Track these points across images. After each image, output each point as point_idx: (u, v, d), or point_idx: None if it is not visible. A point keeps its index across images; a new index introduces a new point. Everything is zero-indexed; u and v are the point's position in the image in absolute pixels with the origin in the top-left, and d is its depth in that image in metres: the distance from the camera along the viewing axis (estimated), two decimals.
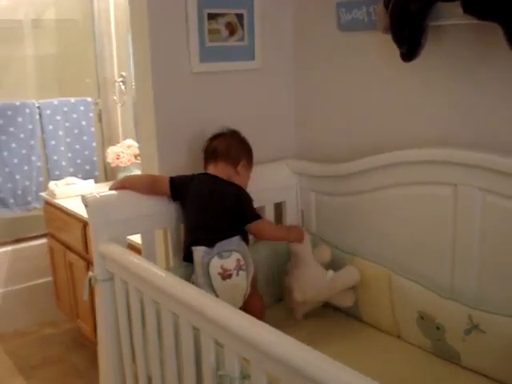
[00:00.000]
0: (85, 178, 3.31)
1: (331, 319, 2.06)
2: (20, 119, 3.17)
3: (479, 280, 1.72)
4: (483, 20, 1.49)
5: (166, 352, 1.58)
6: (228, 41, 2.12)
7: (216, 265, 1.80)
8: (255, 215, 1.92)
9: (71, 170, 3.37)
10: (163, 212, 1.93)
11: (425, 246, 1.85)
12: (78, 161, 3.41)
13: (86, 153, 3.43)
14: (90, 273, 1.87)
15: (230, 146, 1.95)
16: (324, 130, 2.26)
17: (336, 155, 2.17)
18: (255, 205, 2.09)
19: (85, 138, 3.41)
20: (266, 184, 2.16)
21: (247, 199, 1.93)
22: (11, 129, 3.15)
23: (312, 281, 1.94)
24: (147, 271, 1.58)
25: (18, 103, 3.17)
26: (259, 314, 2.00)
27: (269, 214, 2.19)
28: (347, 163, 2.04)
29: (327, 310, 2.09)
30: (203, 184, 1.91)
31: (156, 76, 1.98)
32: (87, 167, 3.44)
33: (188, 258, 1.88)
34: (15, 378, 2.82)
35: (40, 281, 3.30)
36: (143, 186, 1.92)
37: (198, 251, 1.83)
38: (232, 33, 2.12)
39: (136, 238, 2.23)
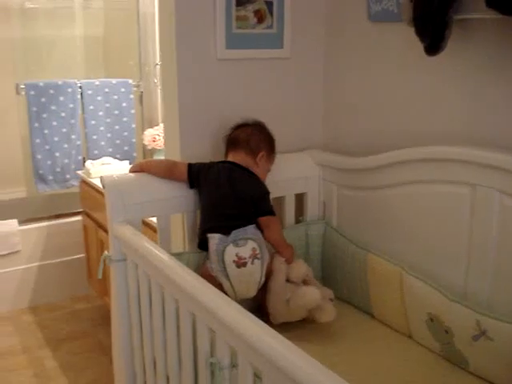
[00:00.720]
0: (123, 159, 3.38)
1: (342, 314, 2.03)
2: (62, 98, 3.25)
3: (493, 284, 1.66)
4: (506, 15, 1.42)
5: (168, 336, 1.60)
6: (256, 28, 2.10)
7: (231, 252, 1.81)
8: (270, 209, 1.92)
9: (110, 149, 3.44)
10: (180, 197, 1.94)
11: (440, 246, 1.79)
12: (117, 141, 3.48)
13: (126, 134, 3.49)
14: (106, 252, 1.91)
15: (251, 136, 1.96)
16: (351, 122, 2.22)
17: (362, 148, 2.13)
18: (275, 194, 2.09)
19: (125, 119, 3.47)
20: (287, 174, 2.15)
21: (264, 192, 1.93)
22: (53, 107, 3.23)
23: (282, 304, 1.87)
24: (153, 255, 1.60)
25: (60, 82, 3.25)
26: None
27: (289, 205, 2.18)
28: (368, 157, 2.00)
29: (339, 305, 2.07)
30: (222, 172, 1.91)
31: (180, 61, 1.99)
32: (126, 148, 3.50)
33: (202, 245, 1.89)
34: (42, 350, 2.91)
35: (74, 257, 3.39)
36: (161, 170, 1.93)
37: (213, 238, 1.84)
38: (261, 20, 2.11)
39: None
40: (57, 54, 3.54)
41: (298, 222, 2.22)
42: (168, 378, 1.67)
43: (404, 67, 1.96)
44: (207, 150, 2.07)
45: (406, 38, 1.88)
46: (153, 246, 1.66)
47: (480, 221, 1.67)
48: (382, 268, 1.90)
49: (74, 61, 3.61)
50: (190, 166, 1.93)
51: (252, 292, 1.88)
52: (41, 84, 3.20)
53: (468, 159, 1.67)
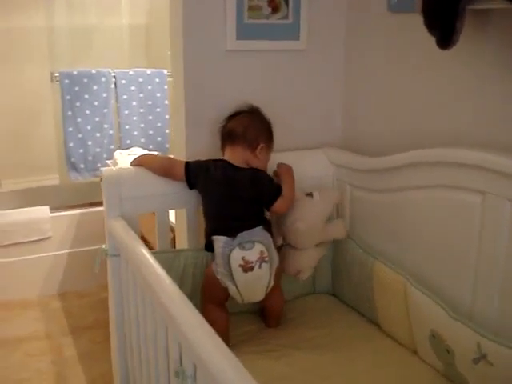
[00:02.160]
0: (156, 150, 3.37)
1: (347, 322, 1.93)
2: (95, 87, 3.26)
3: (501, 303, 1.50)
4: None
5: (148, 340, 1.55)
6: (270, 18, 2.00)
7: (237, 256, 1.72)
8: (273, 194, 1.82)
9: (142, 140, 3.43)
10: (180, 192, 1.88)
11: (449, 258, 1.65)
12: (150, 132, 3.46)
13: (159, 124, 3.47)
14: (103, 246, 1.87)
15: (247, 127, 1.83)
16: (373, 120, 2.09)
17: (384, 148, 1.99)
18: None
19: (158, 109, 3.44)
20: (299, 172, 2.04)
21: (264, 177, 1.83)
22: (86, 96, 3.24)
23: (307, 207, 1.90)
24: (135, 254, 1.54)
25: (94, 71, 3.26)
26: (277, 312, 1.92)
27: None
28: (379, 158, 1.88)
29: (345, 313, 1.97)
30: (219, 172, 1.81)
31: (187, 51, 1.92)
32: (159, 139, 3.48)
33: (209, 247, 1.82)
34: (65, 336, 2.93)
35: (104, 245, 3.39)
36: (158, 169, 1.87)
37: (219, 241, 1.76)
38: (275, 10, 2.01)
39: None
40: (98, 43, 3.56)
41: None
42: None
43: (426, 62, 1.81)
44: (214, 145, 1.99)
45: (423, 30, 1.74)
46: (139, 244, 1.60)
47: (489, 233, 1.52)
48: (387, 277, 1.78)
49: (115, 50, 3.62)
50: (186, 166, 1.84)
51: (259, 296, 1.80)
52: (75, 73, 3.22)
53: (478, 164, 1.52)
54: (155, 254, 1.85)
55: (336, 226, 2.01)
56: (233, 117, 1.88)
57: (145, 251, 1.52)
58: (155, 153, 3.21)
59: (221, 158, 1.86)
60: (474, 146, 1.60)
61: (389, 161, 1.84)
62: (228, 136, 1.86)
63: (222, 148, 1.88)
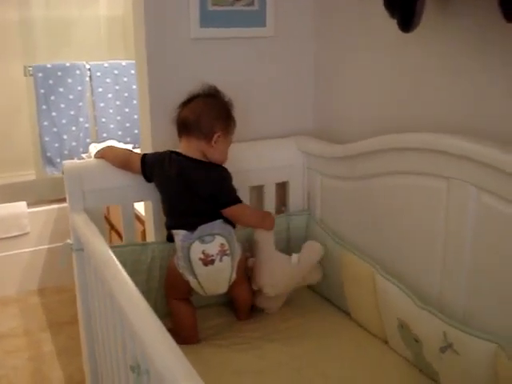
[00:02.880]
0: (133, 142, 3.32)
1: (319, 313, 1.90)
2: (70, 80, 3.21)
3: (468, 291, 1.47)
4: None
5: (109, 334, 1.51)
6: (235, 5, 1.96)
7: (197, 250, 1.68)
8: (231, 199, 1.75)
9: (119, 133, 3.39)
10: (144, 184, 1.83)
11: (416, 245, 1.62)
12: (127, 124, 3.41)
13: (136, 117, 3.41)
14: (68, 240, 1.84)
15: (200, 116, 1.72)
16: (344, 107, 2.05)
17: (354, 135, 1.95)
18: (254, 182, 1.96)
19: (135, 101, 3.39)
20: (267, 161, 2.02)
21: (221, 181, 1.75)
22: (61, 89, 3.19)
23: (280, 271, 1.79)
24: (94, 248, 1.50)
25: (68, 64, 3.21)
26: (245, 305, 1.89)
27: (269, 195, 2.05)
28: (347, 145, 1.84)
29: (317, 303, 1.94)
30: (173, 167, 1.73)
31: (150, 39, 1.87)
32: (136, 131, 3.43)
33: (171, 238, 1.78)
34: (43, 333, 2.90)
35: (69, 240, 3.36)
36: (117, 162, 1.81)
37: (178, 235, 1.72)
38: None
39: (138, 207, 2.19)
40: (76, 35, 3.50)
41: (279, 212, 2.08)
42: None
43: (396, 47, 1.76)
44: None
45: None
46: (98, 238, 1.56)
47: (455, 219, 1.48)
48: (356, 267, 1.75)
49: (93, 42, 3.56)
50: (143, 160, 1.78)
51: (222, 289, 1.77)
52: (48, 66, 3.17)
53: (443, 149, 1.48)
54: (121, 247, 1.83)
55: (313, 274, 1.91)
56: (187, 103, 1.77)
57: (103, 245, 1.49)
58: (130, 145, 3.16)
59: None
60: (442, 132, 1.56)
61: (356, 147, 1.80)
62: (181, 126, 1.76)
63: (179, 136, 1.79)
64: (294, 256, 1.80)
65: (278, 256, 1.83)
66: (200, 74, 1.96)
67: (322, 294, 2.00)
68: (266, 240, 1.81)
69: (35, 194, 3.33)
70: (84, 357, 1.97)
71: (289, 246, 2.03)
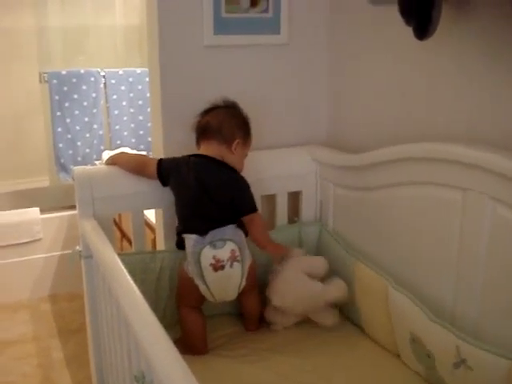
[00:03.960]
0: (147, 150, 3.32)
1: (332, 327, 1.86)
2: (84, 87, 3.22)
3: (481, 304, 1.44)
4: None
5: (116, 342, 1.49)
6: (249, 12, 1.95)
7: (208, 255, 1.67)
8: (252, 207, 1.75)
9: (133, 140, 3.39)
10: (155, 191, 1.81)
11: (430, 258, 1.59)
12: (141, 132, 3.41)
13: (150, 125, 3.41)
14: (77, 247, 1.82)
15: (223, 122, 1.76)
16: (358, 116, 2.02)
17: (368, 145, 1.92)
18: (267, 191, 1.95)
19: (149, 109, 3.38)
20: (280, 170, 1.99)
21: (242, 188, 1.75)
22: (75, 96, 3.20)
23: (294, 286, 1.75)
24: (102, 256, 1.48)
25: (82, 71, 3.22)
26: (255, 315, 1.86)
27: (281, 204, 2.02)
28: (360, 154, 1.81)
29: None
30: (191, 171, 1.73)
31: (163, 47, 1.87)
32: (149, 139, 3.43)
33: (180, 244, 1.76)
34: (52, 339, 2.89)
35: (78, 247, 3.35)
36: (131, 167, 1.81)
37: (189, 239, 1.70)
38: (254, 3, 1.95)
39: (149, 215, 2.18)
40: (92, 43, 3.51)
41: (292, 222, 2.06)
42: None
43: (413, 56, 1.73)
44: (192, 143, 1.94)
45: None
46: (106, 245, 1.54)
47: (470, 231, 1.45)
48: (369, 279, 1.71)
49: (108, 50, 3.58)
50: (159, 163, 1.78)
51: (232, 295, 1.74)
52: (63, 73, 3.18)
53: (459, 159, 1.45)
54: (130, 255, 1.82)
55: (326, 315, 1.84)
56: (208, 111, 1.81)
57: (111, 252, 1.47)
58: (144, 153, 3.16)
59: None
60: (459, 142, 1.53)
61: (370, 157, 1.78)
62: (203, 131, 1.79)
63: (197, 144, 1.81)
64: (318, 283, 1.77)
65: (302, 276, 1.78)
66: (213, 81, 1.95)
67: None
68: (299, 260, 1.79)
69: (48, 201, 3.34)
70: (92, 365, 1.95)
71: None
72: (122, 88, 3.32)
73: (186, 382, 0.93)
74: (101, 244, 1.54)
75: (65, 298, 3.31)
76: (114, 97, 3.31)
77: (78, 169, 1.78)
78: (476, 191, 1.42)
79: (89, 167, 1.80)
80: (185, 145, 1.91)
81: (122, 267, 1.38)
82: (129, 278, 1.33)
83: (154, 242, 2.22)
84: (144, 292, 1.25)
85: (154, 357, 1.03)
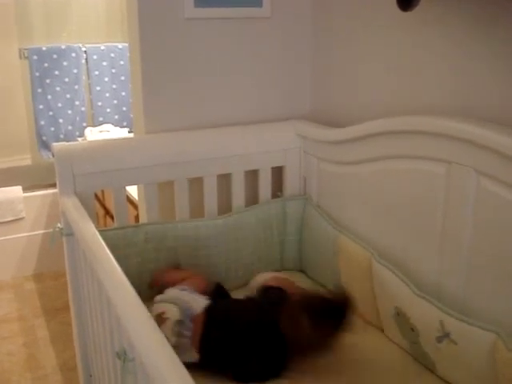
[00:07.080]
0: (130, 126, 3.28)
1: None
2: (65, 63, 3.16)
3: (466, 279, 1.43)
4: None
5: (98, 319, 1.48)
6: None
7: None
8: None
9: (116, 117, 3.34)
10: (135, 168, 1.78)
11: (414, 231, 1.58)
12: (124, 108, 3.37)
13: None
14: (58, 224, 1.80)
15: None
16: (341, 90, 1.99)
17: (352, 119, 1.90)
18: (250, 167, 1.94)
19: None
20: (263, 145, 1.97)
21: None
22: (56, 72, 3.15)
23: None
24: (81, 232, 1.46)
25: (63, 47, 3.16)
26: None
27: (265, 179, 2.00)
28: (343, 128, 1.79)
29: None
30: None
31: (142, 20, 1.82)
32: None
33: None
34: (37, 318, 2.88)
35: (59, 224, 3.32)
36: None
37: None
38: None
39: (132, 191, 2.16)
40: (73, 18, 3.44)
41: (275, 197, 2.04)
42: None
43: (397, 29, 1.71)
44: (174, 119, 1.92)
45: None
46: (86, 221, 1.51)
47: (455, 204, 1.44)
48: (353, 252, 1.71)
49: (90, 25, 3.50)
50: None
51: None
52: (43, 48, 3.12)
53: (443, 132, 1.43)
54: (112, 230, 1.79)
55: None
56: None
57: (91, 229, 1.44)
58: (126, 129, 3.12)
59: None
60: (442, 115, 1.51)
61: (353, 131, 1.76)
62: None
63: None
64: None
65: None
66: (194, 54, 1.91)
67: (317, 280, 1.95)
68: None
69: (31, 179, 3.30)
70: (75, 343, 1.94)
71: (285, 231, 1.99)
72: (104, 64, 3.26)
73: (167, 359, 0.92)
74: (81, 221, 1.52)
75: (49, 276, 3.29)
76: (96, 72, 3.25)
77: (57, 145, 1.74)
78: (460, 164, 1.40)
79: (69, 143, 1.75)
80: (166, 117, 1.89)
81: (103, 243, 1.36)
82: (110, 254, 1.31)
83: (136, 218, 2.20)
84: (129, 266, 1.23)
85: (135, 334, 1.02)
